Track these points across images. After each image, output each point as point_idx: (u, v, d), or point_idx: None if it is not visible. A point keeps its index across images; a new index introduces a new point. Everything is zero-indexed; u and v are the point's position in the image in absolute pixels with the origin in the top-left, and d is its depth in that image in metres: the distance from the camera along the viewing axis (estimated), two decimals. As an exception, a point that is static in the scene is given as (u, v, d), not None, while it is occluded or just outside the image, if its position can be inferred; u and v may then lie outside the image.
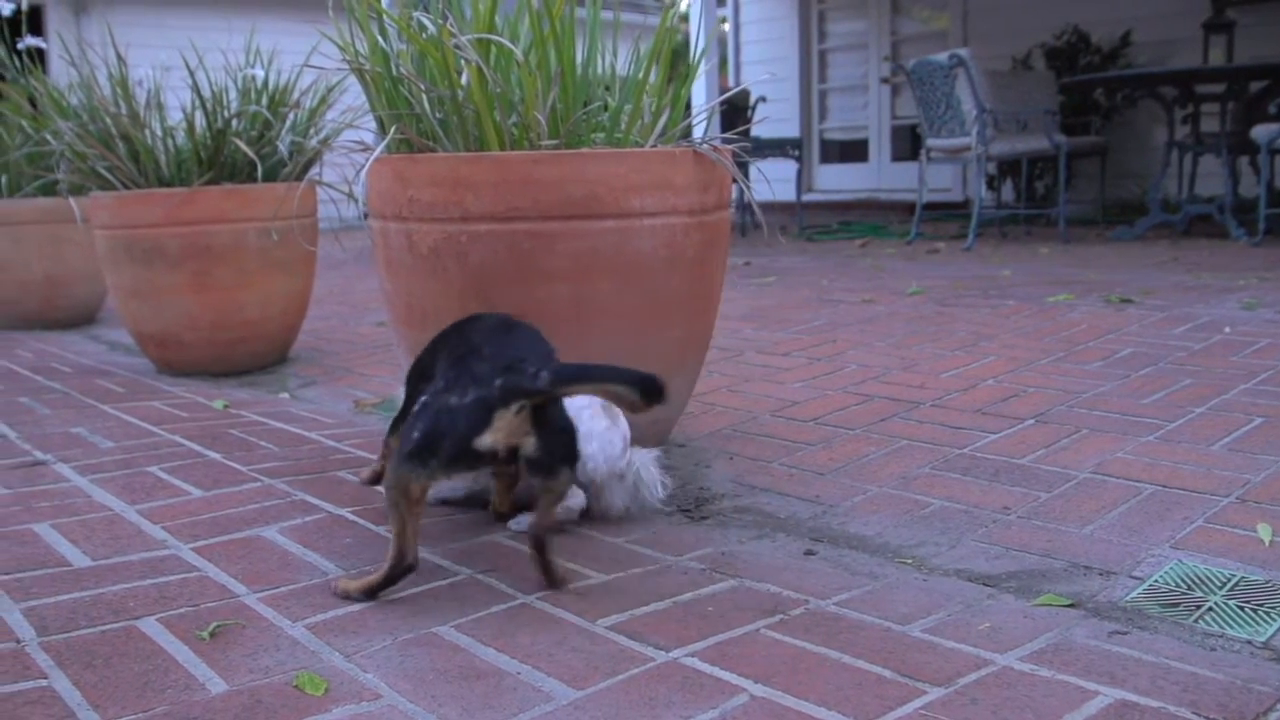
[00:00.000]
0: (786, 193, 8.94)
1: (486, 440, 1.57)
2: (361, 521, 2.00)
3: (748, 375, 3.15)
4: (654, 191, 2.09)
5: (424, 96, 2.19)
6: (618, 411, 1.98)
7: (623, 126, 2.24)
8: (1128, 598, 1.62)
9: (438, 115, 2.19)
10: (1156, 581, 1.67)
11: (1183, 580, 1.67)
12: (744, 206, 8.18)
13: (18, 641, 1.50)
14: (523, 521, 1.95)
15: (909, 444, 2.41)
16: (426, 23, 2.19)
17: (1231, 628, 1.51)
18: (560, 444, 1.65)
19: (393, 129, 2.16)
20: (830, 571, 1.75)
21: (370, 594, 1.64)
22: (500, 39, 2.11)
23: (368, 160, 2.13)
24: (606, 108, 2.31)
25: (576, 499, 1.94)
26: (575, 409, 1.90)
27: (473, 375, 1.62)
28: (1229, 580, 1.66)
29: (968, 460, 2.29)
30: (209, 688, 1.36)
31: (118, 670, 1.41)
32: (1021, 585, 1.68)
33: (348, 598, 1.64)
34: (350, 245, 8.23)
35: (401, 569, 1.62)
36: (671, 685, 1.34)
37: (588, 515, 2.00)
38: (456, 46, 2.07)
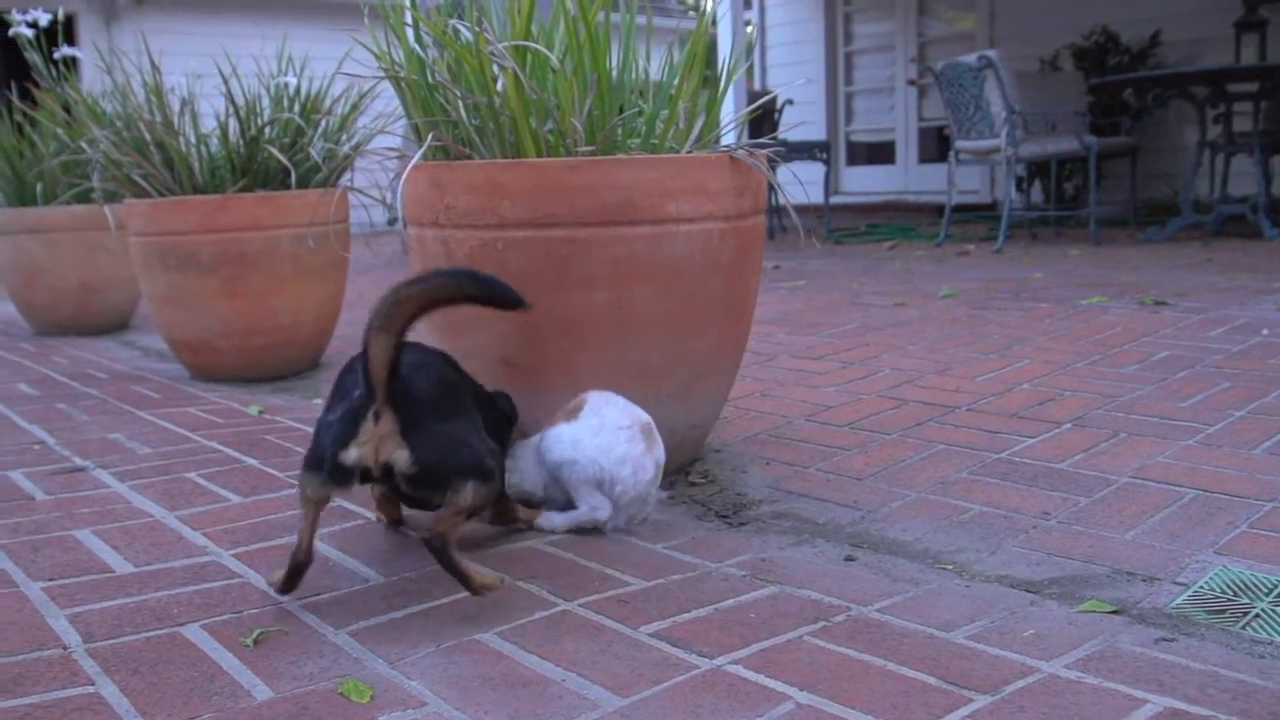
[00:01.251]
0: (814, 195, 8.91)
1: (352, 454, 1.53)
2: (399, 528, 2.01)
3: (781, 379, 3.14)
4: (690, 197, 2.09)
5: (460, 103, 2.19)
6: (657, 437, 1.98)
7: (658, 132, 2.24)
8: (1172, 604, 1.60)
9: (474, 122, 2.19)
10: (1201, 588, 1.65)
11: (1228, 586, 1.65)
12: (772, 210, 8.17)
13: (64, 648, 1.52)
14: (552, 520, 1.96)
15: (946, 448, 2.40)
16: (462, 30, 2.20)
17: (1279, 635, 1.49)
18: (441, 451, 1.57)
19: (429, 136, 2.17)
20: (871, 577, 1.74)
21: (284, 585, 1.65)
22: (536, 46, 2.11)
23: (406, 168, 2.13)
24: (642, 114, 2.31)
25: (603, 511, 1.94)
26: (613, 430, 1.91)
27: (344, 392, 1.61)
28: (1275, 586, 1.64)
29: (1006, 465, 2.27)
30: (255, 695, 1.37)
31: (164, 677, 1.42)
32: (1064, 591, 1.66)
33: (272, 587, 1.68)
34: (381, 250, 8.27)
35: (293, 562, 1.63)
36: (717, 693, 1.34)
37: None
38: (492, 53, 2.08)
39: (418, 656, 1.47)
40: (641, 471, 1.93)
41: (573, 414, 1.96)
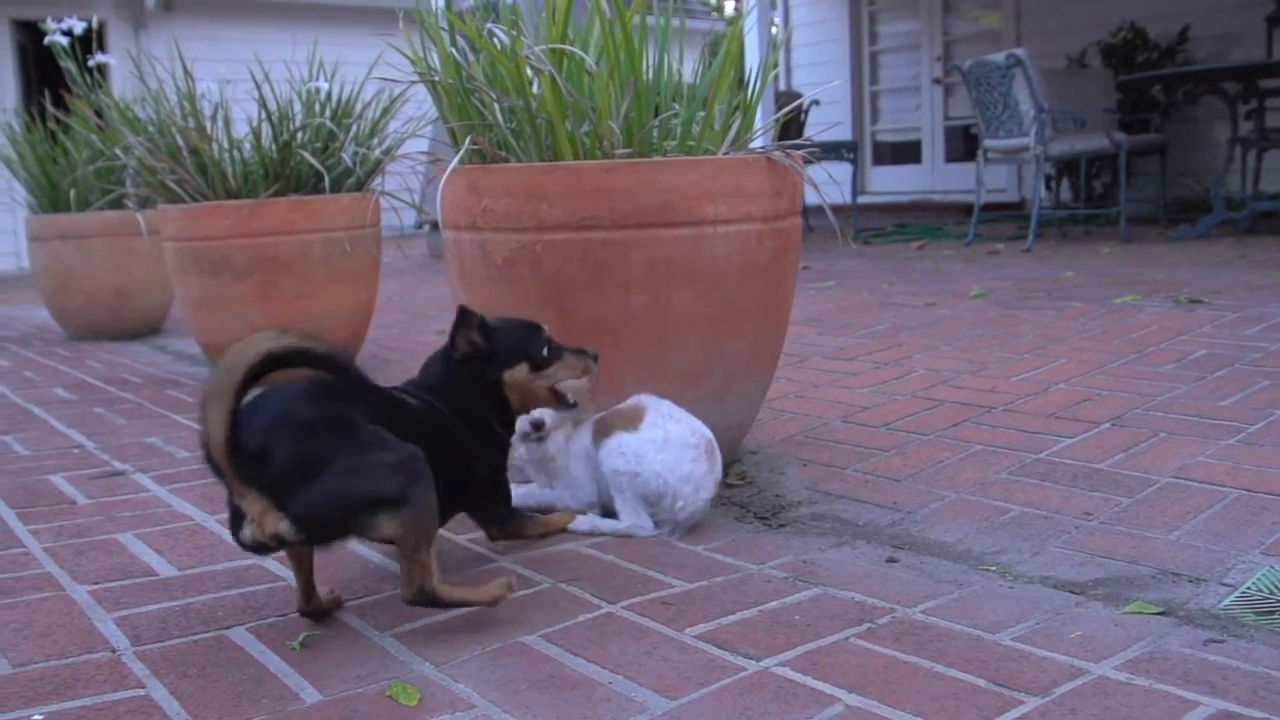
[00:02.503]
0: (841, 195, 8.90)
1: (247, 534, 1.45)
2: (440, 531, 2.01)
3: (815, 380, 3.13)
4: (728, 199, 2.09)
5: (496, 106, 2.20)
6: (718, 455, 2.00)
7: (694, 134, 2.24)
8: (1220, 605, 1.59)
9: (510, 125, 2.20)
10: (1249, 589, 1.64)
11: (1277, 587, 1.64)
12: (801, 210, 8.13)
13: (113, 651, 1.53)
14: (585, 523, 1.97)
15: (984, 449, 2.39)
16: (499, 34, 2.20)
17: (1332, 636, 1.47)
18: (320, 508, 1.45)
19: (466, 140, 2.18)
20: (914, 579, 1.74)
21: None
22: (573, 49, 2.12)
23: (444, 172, 2.14)
24: (677, 116, 2.31)
25: (645, 531, 1.95)
26: (679, 447, 1.92)
27: None
28: (1325, 587, 1.63)
29: (1045, 465, 2.26)
30: (303, 698, 1.38)
31: (213, 680, 1.43)
32: (1110, 593, 1.65)
33: None
34: (411, 253, 8.30)
35: (301, 614, 1.63)
36: (765, 695, 1.34)
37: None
38: (528, 56, 2.08)
39: (464, 659, 1.47)
40: (703, 490, 1.94)
41: (632, 423, 1.95)
